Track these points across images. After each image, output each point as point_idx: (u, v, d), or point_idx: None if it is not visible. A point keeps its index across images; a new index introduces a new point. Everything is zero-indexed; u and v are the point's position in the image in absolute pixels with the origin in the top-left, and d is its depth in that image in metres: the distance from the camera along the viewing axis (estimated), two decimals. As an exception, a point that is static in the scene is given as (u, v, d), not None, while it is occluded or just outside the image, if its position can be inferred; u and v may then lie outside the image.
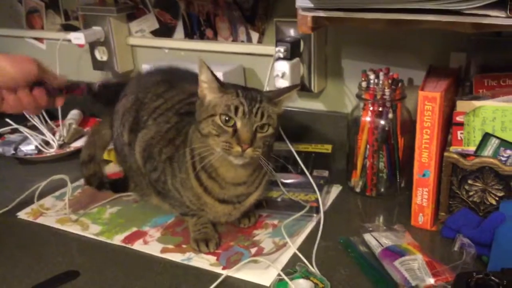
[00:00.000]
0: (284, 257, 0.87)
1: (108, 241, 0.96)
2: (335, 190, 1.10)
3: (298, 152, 1.11)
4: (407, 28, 0.78)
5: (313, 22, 0.80)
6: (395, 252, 0.83)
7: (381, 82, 1.01)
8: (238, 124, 0.80)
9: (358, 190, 1.09)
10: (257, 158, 0.83)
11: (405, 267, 0.80)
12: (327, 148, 1.20)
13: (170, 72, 1.07)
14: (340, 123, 1.19)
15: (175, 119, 0.95)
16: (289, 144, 1.07)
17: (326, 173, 1.12)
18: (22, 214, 1.07)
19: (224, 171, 0.87)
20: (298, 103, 1.25)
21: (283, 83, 1.09)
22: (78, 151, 1.34)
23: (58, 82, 0.93)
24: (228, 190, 0.89)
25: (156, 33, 1.38)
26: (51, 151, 1.33)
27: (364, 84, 1.03)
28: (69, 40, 1.40)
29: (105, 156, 1.30)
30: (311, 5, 0.75)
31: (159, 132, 0.95)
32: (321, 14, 0.76)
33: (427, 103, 0.87)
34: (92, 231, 0.99)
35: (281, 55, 1.06)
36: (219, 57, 1.29)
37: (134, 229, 0.99)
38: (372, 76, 1.02)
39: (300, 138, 1.22)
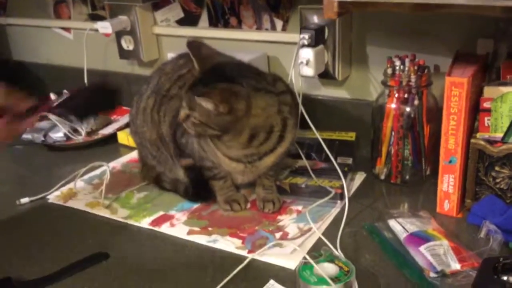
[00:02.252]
0: (309, 242, 0.88)
1: (136, 224, 0.98)
2: (359, 177, 1.11)
3: (322, 140, 1.12)
4: (433, 12, 0.77)
5: (339, 7, 0.80)
6: (420, 238, 0.84)
7: (406, 68, 1.00)
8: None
9: (382, 177, 1.09)
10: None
11: (430, 253, 0.80)
12: (351, 135, 1.20)
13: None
14: (364, 110, 1.18)
15: None
16: (315, 131, 1.07)
17: (350, 160, 1.12)
18: (52, 198, 1.10)
19: None
20: (322, 91, 1.25)
21: (307, 71, 1.09)
22: (105, 138, 1.37)
23: (26, 104, 0.86)
24: (234, 150, 0.92)
25: (181, 22, 1.40)
26: (80, 138, 1.36)
27: (389, 70, 1.02)
28: (96, 30, 1.42)
29: (124, 141, 1.33)
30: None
31: None
32: (348, -1, 0.76)
33: (454, 88, 0.87)
34: (120, 215, 1.01)
35: (306, 42, 1.06)
36: (243, 45, 1.30)
37: (161, 213, 1.01)
38: (397, 63, 1.01)
39: (324, 125, 1.22)
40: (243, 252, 0.87)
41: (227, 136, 0.89)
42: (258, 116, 0.88)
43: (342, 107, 1.22)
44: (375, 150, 1.10)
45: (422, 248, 0.81)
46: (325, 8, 0.81)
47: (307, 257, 0.77)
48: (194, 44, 0.92)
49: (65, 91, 1.44)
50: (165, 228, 0.96)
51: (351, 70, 1.20)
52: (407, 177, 1.07)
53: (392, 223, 0.89)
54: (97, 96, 1.00)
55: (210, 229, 0.95)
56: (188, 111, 0.88)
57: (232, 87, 0.86)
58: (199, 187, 1.04)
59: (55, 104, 0.98)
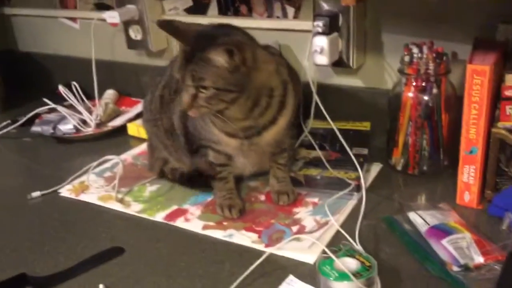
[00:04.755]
0: (327, 235, 0.87)
1: (151, 218, 0.97)
2: (375, 168, 1.09)
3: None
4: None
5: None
6: (442, 231, 0.82)
7: (424, 56, 0.98)
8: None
9: (399, 168, 1.07)
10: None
11: (453, 246, 0.78)
12: (365, 125, 1.17)
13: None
14: (379, 99, 1.16)
15: None
16: (330, 120, 1.05)
17: (365, 151, 1.10)
18: (64, 191, 1.09)
19: None
20: (335, 79, 1.22)
21: (321, 59, 1.06)
22: (115, 130, 1.36)
23: None
24: (233, 122, 0.87)
25: (189, 11, 1.37)
26: (89, 130, 1.35)
27: (406, 58, 0.99)
28: (103, 20, 1.40)
29: (134, 132, 1.31)
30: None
31: None
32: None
33: (476, 76, 0.84)
34: (134, 209, 1.00)
35: (320, 30, 1.04)
36: (254, 34, 1.25)
37: (175, 207, 1.00)
38: (415, 50, 0.99)
39: (337, 115, 1.19)
40: (260, 247, 0.85)
41: (235, 103, 0.83)
42: (262, 70, 0.84)
43: (356, 96, 1.20)
44: (391, 140, 1.08)
45: (444, 241, 0.79)
46: (344, -6, 0.78)
47: (328, 251, 0.75)
48: (165, 23, 0.87)
49: (73, 82, 1.42)
50: (180, 223, 0.94)
51: (365, 58, 1.18)
52: (425, 167, 1.05)
53: (412, 215, 0.87)
54: None
55: (225, 223, 0.93)
56: (196, 85, 0.81)
57: (233, 38, 0.82)
58: (194, 174, 1.04)
59: None
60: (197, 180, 1.04)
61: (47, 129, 1.33)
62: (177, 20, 0.88)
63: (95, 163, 1.11)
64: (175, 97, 1.01)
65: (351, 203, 0.96)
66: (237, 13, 1.29)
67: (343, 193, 0.97)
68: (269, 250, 0.83)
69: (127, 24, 1.41)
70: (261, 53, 0.86)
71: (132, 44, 1.45)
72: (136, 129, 1.32)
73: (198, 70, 0.80)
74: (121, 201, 1.03)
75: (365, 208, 0.92)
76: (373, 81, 1.19)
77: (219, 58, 0.79)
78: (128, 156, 1.22)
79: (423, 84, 0.99)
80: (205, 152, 0.98)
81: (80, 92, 1.41)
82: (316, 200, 0.99)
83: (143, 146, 1.25)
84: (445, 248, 0.78)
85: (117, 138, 1.34)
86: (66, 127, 1.33)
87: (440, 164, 1.05)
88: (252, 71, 0.83)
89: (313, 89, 1.02)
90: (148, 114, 1.10)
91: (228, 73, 0.80)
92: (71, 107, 1.40)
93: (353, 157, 1.02)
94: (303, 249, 0.83)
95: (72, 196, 1.07)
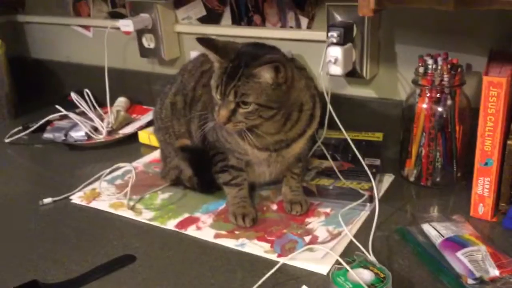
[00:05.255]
0: (340, 246, 0.86)
1: (162, 226, 0.96)
2: (388, 179, 1.08)
3: (347, 141, 1.09)
4: (476, 8, 0.74)
5: (376, 3, 0.77)
6: (457, 243, 0.81)
7: (439, 67, 0.97)
8: (218, 103, 0.85)
9: (412, 179, 1.06)
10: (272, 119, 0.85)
11: (468, 258, 0.77)
12: (378, 136, 1.17)
13: None
14: (391, 110, 1.16)
15: None
16: (344, 131, 1.04)
17: (377, 162, 1.09)
18: (75, 198, 1.09)
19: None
20: (348, 90, 1.22)
21: (335, 69, 1.06)
22: (126, 137, 1.36)
23: None
24: (265, 138, 0.89)
25: (203, 20, 1.38)
26: (100, 138, 1.35)
27: (421, 69, 0.99)
28: (117, 28, 1.41)
29: (146, 140, 1.32)
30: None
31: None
32: (386, -5, 0.74)
33: (492, 88, 0.84)
34: (145, 217, 1.00)
35: (334, 40, 1.04)
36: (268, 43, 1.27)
37: (186, 215, 0.99)
38: (430, 61, 0.98)
39: (350, 125, 1.19)
40: (273, 256, 0.85)
41: (271, 120, 0.85)
42: (296, 87, 0.87)
43: (369, 106, 1.20)
44: (404, 151, 1.07)
45: (459, 254, 0.78)
46: (360, 4, 0.78)
47: (342, 261, 0.75)
48: (205, 39, 0.89)
49: (86, 90, 1.42)
50: (191, 231, 0.94)
51: (378, 69, 1.17)
52: (438, 179, 1.04)
53: (426, 227, 0.86)
54: None
55: (236, 232, 0.93)
56: (235, 102, 0.82)
57: (278, 56, 0.84)
58: (205, 178, 1.03)
59: None
60: (216, 184, 1.03)
61: (59, 136, 1.34)
62: (215, 38, 0.90)
63: (107, 171, 1.11)
64: (192, 104, 1.01)
65: (364, 214, 0.96)
66: (250, 23, 1.30)
67: (356, 204, 0.97)
68: (282, 260, 0.82)
69: (140, 32, 1.42)
70: (294, 72, 0.88)
71: (144, 52, 1.46)
72: (147, 136, 1.32)
73: (241, 86, 0.82)
74: (132, 208, 1.03)
75: (378, 219, 0.92)
76: (386, 91, 1.18)
77: (266, 75, 0.81)
78: (139, 164, 1.22)
79: (438, 95, 0.99)
80: (224, 157, 0.98)
81: (92, 99, 1.42)
82: (328, 210, 0.98)
83: (155, 154, 1.25)
84: (460, 260, 0.77)
85: (128, 146, 1.34)
86: (78, 134, 1.34)
87: (453, 175, 1.04)
88: (290, 89, 0.86)
89: (327, 99, 1.02)
90: (159, 123, 1.11)
91: (271, 89, 0.83)
92: (82, 114, 1.40)
93: (366, 168, 1.01)
94: (316, 259, 0.82)
95: (84, 203, 1.07)
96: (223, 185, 1.01)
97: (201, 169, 1.04)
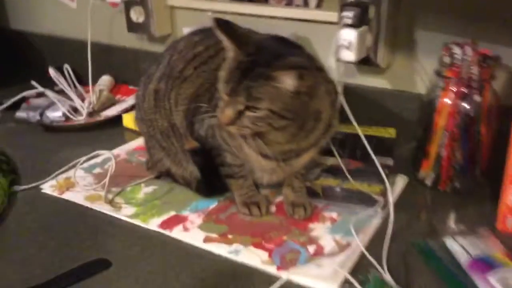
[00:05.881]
0: (350, 260, 0.74)
1: (144, 225, 0.84)
2: (400, 181, 0.96)
3: (356, 136, 0.97)
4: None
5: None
6: (487, 264, 0.70)
7: (469, 58, 0.85)
8: (224, 99, 0.72)
9: (428, 183, 0.94)
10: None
11: (501, 283, 0.66)
12: (390, 132, 1.05)
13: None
14: (406, 103, 1.04)
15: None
16: (356, 126, 0.92)
17: (390, 161, 0.98)
18: (47, 187, 0.96)
19: None
20: (358, 79, 1.10)
21: (348, 55, 0.94)
22: (108, 120, 1.22)
23: None
24: (275, 146, 0.77)
25: (199, -7, 1.24)
26: (80, 119, 1.21)
27: (446, 59, 0.87)
28: (103, -2, 1.27)
29: (130, 125, 1.18)
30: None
31: (204, 84, 0.85)
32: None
33: (535, 85, 0.72)
34: (125, 213, 0.87)
35: (349, 22, 0.91)
36: (270, 23, 1.14)
37: (172, 213, 0.87)
38: (457, 51, 0.86)
39: (359, 119, 1.07)
40: (272, 269, 0.73)
41: (281, 130, 0.74)
42: (316, 96, 0.74)
43: (381, 98, 1.08)
44: (420, 150, 0.95)
45: (491, 278, 0.67)
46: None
47: (355, 283, 0.63)
48: (224, 22, 0.75)
49: (66, 65, 1.28)
50: (177, 233, 0.82)
51: (394, 57, 1.05)
52: (458, 184, 0.92)
53: (450, 242, 0.75)
54: None
55: (230, 236, 0.81)
56: (246, 104, 0.70)
57: (303, 61, 0.71)
58: (212, 180, 0.90)
59: None
60: (218, 185, 0.90)
61: (34, 116, 1.20)
62: (233, 22, 0.76)
63: (84, 158, 0.98)
64: (177, 89, 0.88)
65: (375, 222, 0.84)
66: (252, -1, 1.16)
67: (362, 209, 0.85)
68: (282, 275, 0.70)
69: (128, 4, 1.28)
70: (316, 78, 0.74)
71: (132, 27, 1.32)
72: (132, 120, 1.18)
73: (256, 87, 0.69)
74: (111, 202, 0.90)
75: (392, 229, 0.80)
76: (401, 82, 1.06)
77: (288, 81, 0.68)
78: (121, 151, 1.09)
79: (464, 90, 0.87)
80: (219, 153, 0.86)
81: (73, 76, 1.29)
82: (334, 215, 0.86)
83: (140, 141, 1.11)
84: (492, 285, 0.66)
85: (110, 130, 1.21)
86: (55, 114, 1.20)
87: (474, 181, 0.93)
88: (310, 99, 0.73)
89: (339, 89, 0.90)
90: (141, 113, 0.96)
91: (289, 98, 0.70)
92: (61, 92, 1.27)
93: (380, 169, 0.89)
94: (323, 276, 0.70)
95: (55, 193, 0.94)
96: (225, 178, 0.88)
97: (209, 172, 0.91)
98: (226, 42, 0.73)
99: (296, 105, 0.71)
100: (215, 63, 0.84)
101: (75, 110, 1.23)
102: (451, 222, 0.85)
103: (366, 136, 1.00)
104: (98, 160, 1.04)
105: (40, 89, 1.24)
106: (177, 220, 0.85)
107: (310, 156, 0.83)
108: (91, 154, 0.98)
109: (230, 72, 0.71)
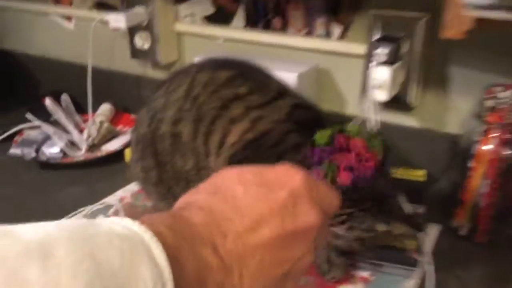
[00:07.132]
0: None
1: None
2: (432, 231, 0.88)
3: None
4: None
5: (478, 24, 0.56)
6: None
7: (514, 102, 0.78)
8: None
9: (463, 233, 0.86)
10: None
11: None
12: (420, 174, 0.96)
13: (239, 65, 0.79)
14: (437, 144, 0.96)
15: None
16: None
17: (421, 209, 0.89)
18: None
19: None
20: (384, 115, 1.01)
21: (380, 95, 0.86)
22: (110, 156, 1.13)
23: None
24: None
25: (210, 19, 1.15)
26: (79, 155, 1.12)
27: (489, 103, 0.79)
28: (102, 21, 1.18)
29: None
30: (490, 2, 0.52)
31: None
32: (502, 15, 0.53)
33: None
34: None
35: (384, 58, 0.83)
36: (288, 54, 1.06)
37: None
38: (503, 94, 0.79)
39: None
40: None
41: None
42: None
43: (409, 137, 0.99)
44: (453, 197, 0.87)
45: None
46: (450, 23, 0.58)
47: None
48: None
49: (64, 96, 1.19)
50: None
51: (425, 93, 0.97)
52: (497, 236, 0.84)
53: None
54: None
55: None
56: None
57: None
58: None
59: None
60: None
61: (29, 153, 1.10)
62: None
63: (89, 207, 0.88)
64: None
65: (410, 283, 0.75)
66: (268, 27, 1.07)
67: (396, 269, 0.77)
68: None
69: (133, 29, 1.19)
70: None
71: (136, 53, 1.23)
72: (136, 156, 1.09)
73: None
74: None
75: (433, 292, 0.72)
76: (432, 121, 0.98)
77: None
78: (126, 193, 0.99)
79: (509, 136, 0.79)
80: None
81: (71, 108, 1.19)
82: (367, 275, 0.77)
83: (145, 181, 1.03)
84: None
85: (112, 166, 1.11)
86: (52, 151, 1.10)
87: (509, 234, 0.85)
88: None
89: (375, 129, 0.82)
90: (138, 154, 0.82)
91: None
92: (56, 123, 1.16)
93: (417, 220, 0.81)
94: None
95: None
96: None
97: None
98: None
99: None
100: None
101: (74, 144, 1.14)
102: (496, 284, 0.77)
103: (394, 179, 0.92)
104: (100, 206, 0.94)
105: (36, 122, 1.14)
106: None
107: None
108: (97, 204, 0.89)
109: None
